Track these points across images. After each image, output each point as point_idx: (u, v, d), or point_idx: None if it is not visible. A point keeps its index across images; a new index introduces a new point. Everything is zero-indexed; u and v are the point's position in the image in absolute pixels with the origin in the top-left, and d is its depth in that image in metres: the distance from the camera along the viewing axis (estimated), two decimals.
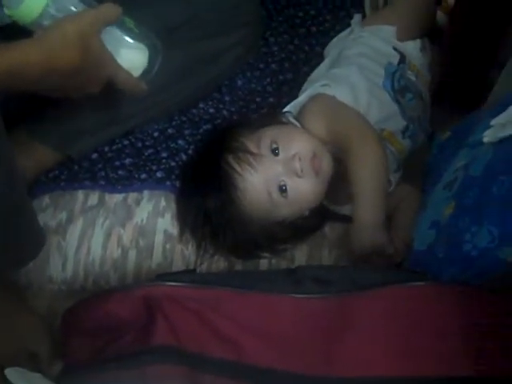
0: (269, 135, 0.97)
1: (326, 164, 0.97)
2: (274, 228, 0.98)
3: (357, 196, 0.93)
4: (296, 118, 1.04)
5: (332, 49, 1.20)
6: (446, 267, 0.86)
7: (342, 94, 1.02)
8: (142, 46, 0.92)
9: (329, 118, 1.01)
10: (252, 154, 0.95)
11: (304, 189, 0.96)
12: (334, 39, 1.23)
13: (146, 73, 0.92)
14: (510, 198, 0.80)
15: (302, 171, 0.94)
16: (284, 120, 1.03)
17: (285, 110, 1.06)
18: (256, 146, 0.96)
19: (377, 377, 0.72)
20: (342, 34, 1.22)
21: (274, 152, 0.95)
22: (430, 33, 1.22)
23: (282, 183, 0.95)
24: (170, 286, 0.79)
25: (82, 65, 0.81)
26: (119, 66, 0.88)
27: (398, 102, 1.08)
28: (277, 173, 0.95)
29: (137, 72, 0.91)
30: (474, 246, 0.83)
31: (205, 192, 0.97)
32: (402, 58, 1.13)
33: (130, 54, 0.91)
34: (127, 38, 0.91)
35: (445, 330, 0.74)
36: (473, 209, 0.87)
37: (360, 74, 1.06)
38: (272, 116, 1.06)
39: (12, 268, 0.97)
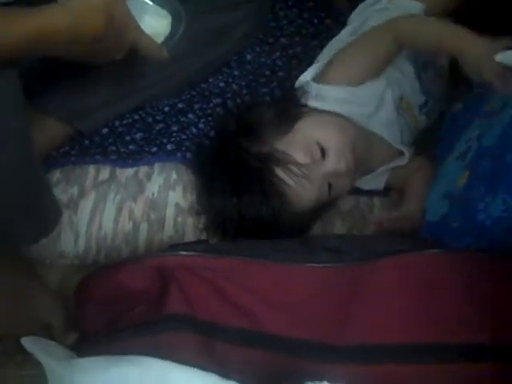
0: (311, 137, 0.95)
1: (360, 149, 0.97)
2: (310, 214, 0.99)
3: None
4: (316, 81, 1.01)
5: (356, 16, 1.17)
6: (460, 237, 0.86)
7: None
8: (164, 12, 0.92)
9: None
10: (300, 165, 0.94)
11: (346, 183, 0.98)
12: (359, 7, 1.18)
13: (168, 39, 0.92)
14: None
15: (348, 169, 0.95)
16: (306, 103, 1.00)
17: (301, 80, 1.04)
18: (302, 153, 0.94)
19: (390, 344, 0.72)
20: (368, 2, 1.17)
21: (322, 155, 0.94)
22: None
23: (329, 183, 0.95)
24: (183, 255, 0.79)
25: (107, 30, 0.80)
26: (143, 32, 0.86)
27: (419, 76, 1.07)
28: (326, 178, 0.95)
29: (159, 38, 0.90)
30: (488, 215, 0.83)
31: (249, 200, 0.94)
32: None
33: (153, 20, 0.91)
34: (150, 4, 0.91)
35: (459, 297, 0.74)
36: (487, 178, 0.86)
37: None
38: (293, 104, 1.01)
39: (29, 243, 0.97)
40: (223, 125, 1.04)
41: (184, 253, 0.79)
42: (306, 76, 1.03)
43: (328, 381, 0.65)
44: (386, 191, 1.07)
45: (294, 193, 0.94)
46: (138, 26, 0.85)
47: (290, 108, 0.99)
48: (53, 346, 0.73)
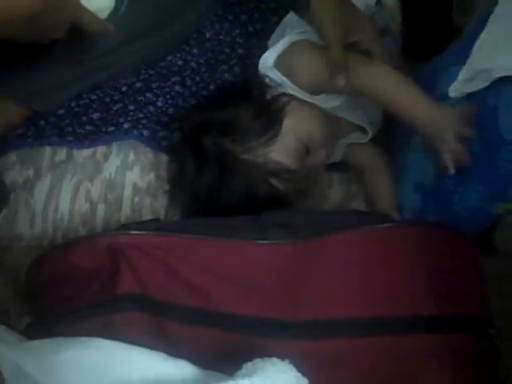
0: (298, 141, 0.92)
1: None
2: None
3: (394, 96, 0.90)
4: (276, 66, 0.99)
5: None
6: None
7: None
8: None
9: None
10: (292, 171, 0.92)
11: (322, 168, 0.99)
12: None
13: (112, 14, 0.90)
14: (491, 154, 0.78)
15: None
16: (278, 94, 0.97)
17: (261, 66, 1.00)
18: (294, 159, 0.92)
19: (342, 318, 0.72)
20: None
21: (307, 152, 0.94)
22: None
23: None
24: (134, 234, 0.77)
25: (43, 8, 0.79)
26: (83, 8, 0.84)
27: None
28: (309, 169, 0.95)
29: (103, 13, 0.89)
30: (464, 206, 0.83)
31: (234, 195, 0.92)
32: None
33: None
34: None
35: (411, 270, 0.74)
36: (456, 169, 0.84)
37: None
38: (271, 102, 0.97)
39: None
40: (199, 124, 0.96)
41: (135, 232, 0.77)
42: (269, 60, 0.99)
43: (277, 357, 0.64)
44: (344, 167, 1.07)
45: (281, 192, 0.92)
46: (78, 3, 0.83)
47: (270, 108, 0.95)
48: (1, 329, 0.71)
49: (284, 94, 0.96)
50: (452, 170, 0.82)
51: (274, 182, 0.91)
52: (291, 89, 0.97)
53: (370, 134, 1.04)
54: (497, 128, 0.78)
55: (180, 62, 1.14)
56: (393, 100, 0.90)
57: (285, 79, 0.97)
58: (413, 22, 1.16)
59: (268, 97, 0.96)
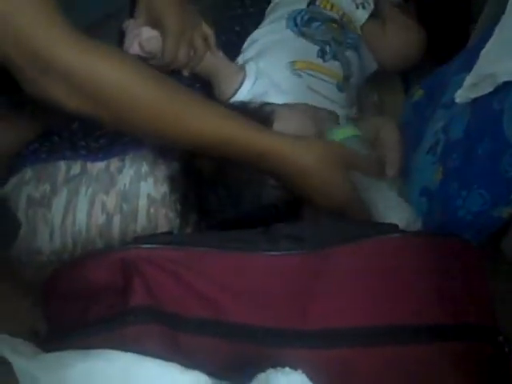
0: None
1: None
2: None
3: None
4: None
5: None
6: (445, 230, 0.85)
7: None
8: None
9: None
10: None
11: None
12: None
13: None
14: (496, 158, 0.78)
15: None
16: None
17: None
18: None
19: (352, 327, 0.70)
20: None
21: None
22: None
23: None
24: (145, 248, 0.77)
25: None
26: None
27: (302, 33, 1.08)
28: None
29: None
30: (468, 210, 0.82)
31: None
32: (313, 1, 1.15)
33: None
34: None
35: (415, 279, 0.72)
36: (460, 173, 0.85)
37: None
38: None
39: None
40: None
41: (146, 245, 0.77)
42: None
43: (290, 367, 0.64)
44: None
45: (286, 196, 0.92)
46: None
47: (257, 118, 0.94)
48: (19, 343, 0.71)
49: (266, 104, 0.97)
50: None
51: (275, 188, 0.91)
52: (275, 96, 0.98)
53: (340, 114, 1.04)
54: (502, 132, 0.77)
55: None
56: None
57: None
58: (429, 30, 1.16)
59: (251, 107, 0.97)
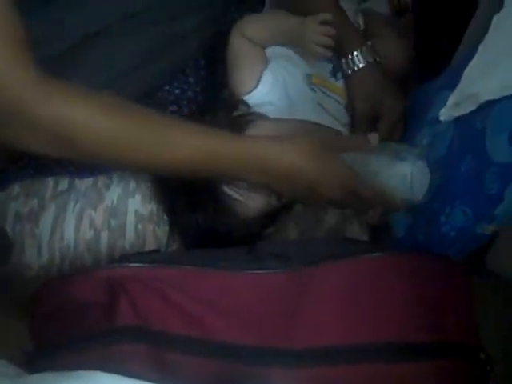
0: None
1: None
2: (264, 219, 0.95)
3: None
4: None
5: None
6: (428, 250, 0.84)
7: None
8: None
9: None
10: None
11: None
12: None
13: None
14: (478, 175, 0.77)
15: None
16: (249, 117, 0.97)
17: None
18: None
19: (337, 345, 0.70)
20: None
21: None
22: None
23: None
24: (132, 267, 0.76)
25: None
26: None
27: None
28: None
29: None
30: (451, 226, 0.82)
31: (202, 214, 0.93)
32: None
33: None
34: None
35: (399, 298, 0.72)
36: (443, 189, 0.84)
37: None
38: (239, 120, 0.98)
39: None
40: None
41: (132, 264, 0.76)
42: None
43: None
44: None
45: (242, 205, 0.91)
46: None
47: (235, 119, 0.96)
48: (1, 364, 0.70)
49: (253, 113, 0.96)
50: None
51: (229, 191, 0.91)
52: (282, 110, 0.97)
53: None
54: (484, 150, 0.77)
55: (177, 91, 1.12)
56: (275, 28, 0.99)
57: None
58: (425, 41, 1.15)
59: (234, 115, 0.96)
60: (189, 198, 0.93)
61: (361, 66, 0.97)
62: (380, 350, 0.68)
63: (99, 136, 0.74)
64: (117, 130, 0.75)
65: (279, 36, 0.99)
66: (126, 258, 0.80)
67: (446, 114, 0.86)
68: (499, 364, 0.73)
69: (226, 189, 0.91)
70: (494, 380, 0.72)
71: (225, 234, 0.91)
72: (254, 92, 1.00)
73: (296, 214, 1.01)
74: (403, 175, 0.79)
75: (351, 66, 0.98)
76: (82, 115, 0.73)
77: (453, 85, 0.87)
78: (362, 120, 0.94)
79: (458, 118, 0.84)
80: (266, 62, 1.01)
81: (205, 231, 0.92)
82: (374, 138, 0.83)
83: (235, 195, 0.91)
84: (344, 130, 1.02)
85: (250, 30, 1.00)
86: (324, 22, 0.93)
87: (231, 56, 1.02)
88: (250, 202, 0.91)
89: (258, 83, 1.00)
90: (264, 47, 1.02)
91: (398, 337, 0.69)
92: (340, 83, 1.03)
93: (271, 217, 0.95)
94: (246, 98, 0.99)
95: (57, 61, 1.00)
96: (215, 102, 1.09)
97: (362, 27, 1.09)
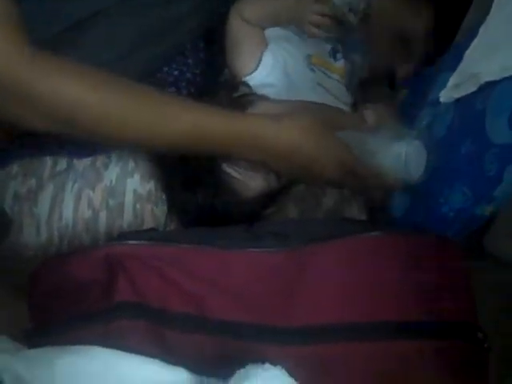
0: None
1: None
2: (263, 199, 0.94)
3: None
4: None
5: None
6: (427, 231, 0.83)
7: None
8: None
9: None
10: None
11: None
12: None
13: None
14: (478, 157, 0.77)
15: None
16: (249, 97, 0.96)
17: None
18: None
19: (334, 323, 0.69)
20: None
21: None
22: None
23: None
24: (130, 244, 0.76)
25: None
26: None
27: None
28: None
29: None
30: (450, 207, 0.81)
31: (201, 193, 0.92)
32: None
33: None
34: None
35: (397, 277, 0.72)
36: (442, 170, 0.84)
37: None
38: (240, 100, 0.97)
39: None
40: None
41: (131, 242, 0.76)
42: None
43: (270, 362, 0.63)
44: None
45: (242, 184, 0.90)
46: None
47: (236, 100, 0.95)
48: (1, 339, 0.70)
49: (254, 94, 0.96)
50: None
51: (228, 168, 0.90)
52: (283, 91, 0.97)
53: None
54: (484, 131, 0.76)
55: (176, 73, 1.12)
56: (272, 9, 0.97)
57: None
58: None
59: (235, 96, 0.96)
60: (188, 176, 0.93)
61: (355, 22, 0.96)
62: (378, 329, 0.68)
63: (94, 111, 0.75)
64: (111, 105, 0.76)
65: (277, 16, 0.98)
66: (123, 236, 0.79)
67: (446, 95, 0.85)
68: (496, 346, 0.73)
69: (225, 167, 0.90)
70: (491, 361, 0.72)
71: (224, 214, 0.90)
72: (254, 74, 0.99)
73: (295, 195, 1.00)
74: (398, 154, 0.80)
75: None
76: (76, 90, 0.73)
77: (454, 67, 0.87)
78: (382, 38, 0.93)
79: (458, 100, 0.84)
80: (265, 43, 1.01)
81: (203, 210, 0.91)
82: (368, 115, 0.82)
83: (234, 173, 0.90)
84: (346, 109, 1.02)
85: (248, 11, 0.99)
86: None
87: (230, 38, 1.01)
88: (248, 182, 0.90)
89: (258, 65, 1.00)
90: (263, 28, 1.02)
91: (396, 316, 0.69)
92: (340, 63, 1.03)
93: (270, 197, 0.95)
94: (247, 79, 0.99)
95: (53, 42, 1.00)
96: (215, 83, 1.08)
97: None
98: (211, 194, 0.91)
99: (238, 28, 1.00)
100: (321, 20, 0.91)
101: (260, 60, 1.00)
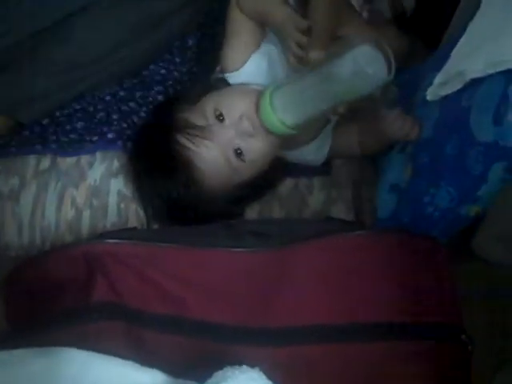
0: (210, 103, 0.90)
1: None
2: (236, 192, 0.92)
3: None
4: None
5: None
6: (412, 231, 0.82)
7: None
8: None
9: None
10: (199, 127, 0.88)
11: (259, 146, 0.89)
12: None
13: None
14: (463, 155, 0.75)
15: (253, 129, 0.87)
16: (220, 84, 0.96)
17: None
18: (201, 117, 0.89)
19: (313, 324, 0.68)
20: None
21: (219, 119, 0.88)
22: None
23: (237, 147, 0.88)
24: (109, 243, 0.74)
25: None
26: None
27: None
28: (229, 138, 0.88)
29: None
30: (436, 207, 0.80)
31: (164, 177, 0.90)
32: None
33: None
34: None
35: (380, 277, 0.70)
36: (428, 170, 0.83)
37: None
38: (208, 83, 0.99)
39: None
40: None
41: (110, 240, 0.74)
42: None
43: (248, 364, 0.62)
44: (327, 169, 1.03)
45: (198, 157, 0.88)
46: None
47: (204, 83, 0.96)
48: None
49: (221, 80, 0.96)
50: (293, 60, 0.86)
51: (182, 139, 0.88)
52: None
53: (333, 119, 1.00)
54: (469, 129, 0.75)
55: (163, 71, 1.11)
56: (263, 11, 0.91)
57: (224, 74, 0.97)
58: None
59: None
60: (147, 164, 0.93)
61: None
62: (358, 330, 0.67)
63: None
64: None
65: (264, 18, 0.95)
66: (104, 235, 0.78)
67: (432, 93, 0.84)
68: (485, 347, 0.72)
69: (180, 138, 0.88)
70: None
71: (192, 207, 0.88)
72: (237, 73, 0.97)
73: (280, 195, 0.99)
74: (352, 59, 0.78)
75: None
76: None
77: (441, 66, 0.85)
78: (321, 32, 0.86)
79: (444, 98, 0.82)
80: (258, 42, 0.97)
81: (170, 201, 0.90)
82: (316, 53, 0.81)
83: (187, 143, 0.88)
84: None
85: (246, 7, 0.95)
86: (300, 29, 0.86)
87: (229, 29, 0.97)
88: (203, 151, 0.88)
89: (243, 64, 0.97)
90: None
91: (378, 317, 0.68)
92: None
93: (248, 193, 0.93)
94: (230, 75, 0.97)
95: (41, 37, 1.00)
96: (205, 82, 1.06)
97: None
98: (169, 179, 0.89)
99: (233, 18, 0.96)
100: (298, 52, 0.86)
101: (247, 60, 0.97)
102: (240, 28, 0.95)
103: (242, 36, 0.96)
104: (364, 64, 0.77)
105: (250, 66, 0.97)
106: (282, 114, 0.82)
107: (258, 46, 0.97)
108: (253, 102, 0.87)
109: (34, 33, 1.00)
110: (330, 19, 0.84)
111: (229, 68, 0.96)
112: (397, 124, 0.90)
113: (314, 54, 0.81)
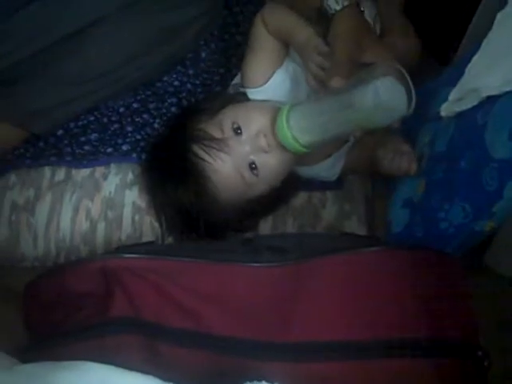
0: (228, 116, 0.90)
1: None
2: (248, 206, 0.92)
3: None
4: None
5: None
6: (426, 246, 0.82)
7: None
8: None
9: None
10: (216, 139, 0.88)
11: (273, 163, 0.89)
12: None
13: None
14: (478, 171, 0.76)
15: (268, 146, 0.87)
16: (239, 97, 0.96)
17: (233, 82, 1.01)
18: (218, 130, 0.90)
19: (332, 340, 0.68)
20: None
21: (237, 132, 0.89)
22: None
23: (251, 161, 0.88)
24: (127, 258, 0.75)
25: None
26: None
27: None
28: (244, 153, 0.88)
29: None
30: (450, 223, 0.80)
31: (177, 187, 0.91)
32: None
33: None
34: None
35: (397, 293, 0.70)
36: (443, 185, 0.83)
37: None
38: (227, 96, 0.99)
39: None
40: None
41: (128, 255, 0.75)
42: (238, 77, 1.00)
43: (266, 380, 0.62)
44: (339, 184, 1.03)
45: (213, 169, 0.88)
46: None
47: (224, 96, 0.96)
48: None
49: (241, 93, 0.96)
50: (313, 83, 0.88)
51: (198, 150, 0.89)
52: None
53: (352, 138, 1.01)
54: (483, 146, 0.76)
55: (176, 83, 1.12)
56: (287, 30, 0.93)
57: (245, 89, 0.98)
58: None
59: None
60: (162, 173, 0.93)
61: (338, 8, 0.90)
62: (375, 347, 0.67)
63: None
64: None
65: (288, 38, 0.94)
66: (121, 248, 0.79)
67: (447, 109, 0.85)
68: (497, 361, 0.73)
69: (196, 148, 0.89)
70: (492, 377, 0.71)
71: (204, 219, 0.89)
72: (260, 89, 0.97)
73: (294, 208, 1.00)
74: (373, 91, 0.77)
75: (330, 9, 0.91)
76: None
77: (455, 81, 0.86)
78: (342, 59, 0.86)
79: (459, 114, 0.83)
80: (281, 61, 0.98)
81: (181, 212, 0.91)
82: (337, 81, 0.81)
83: (203, 155, 0.88)
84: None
85: (268, 18, 0.95)
86: (321, 53, 0.87)
87: (252, 46, 0.98)
88: (218, 164, 0.88)
89: (267, 81, 0.97)
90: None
91: (395, 333, 0.68)
92: None
93: (262, 207, 0.94)
94: (251, 91, 0.97)
95: (53, 50, 1.00)
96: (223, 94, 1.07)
97: (378, 32, 1.07)
98: (184, 190, 0.89)
99: (258, 35, 0.96)
100: (319, 74, 0.87)
101: (270, 76, 0.97)
102: (264, 45, 0.96)
103: (266, 53, 0.96)
104: (386, 98, 0.76)
105: (274, 83, 0.97)
106: (298, 133, 0.83)
107: (281, 64, 0.98)
108: (271, 119, 0.87)
109: (47, 46, 1.00)
110: (350, 46, 0.84)
111: (251, 83, 0.97)
112: (395, 164, 0.92)
113: (335, 83, 0.81)
